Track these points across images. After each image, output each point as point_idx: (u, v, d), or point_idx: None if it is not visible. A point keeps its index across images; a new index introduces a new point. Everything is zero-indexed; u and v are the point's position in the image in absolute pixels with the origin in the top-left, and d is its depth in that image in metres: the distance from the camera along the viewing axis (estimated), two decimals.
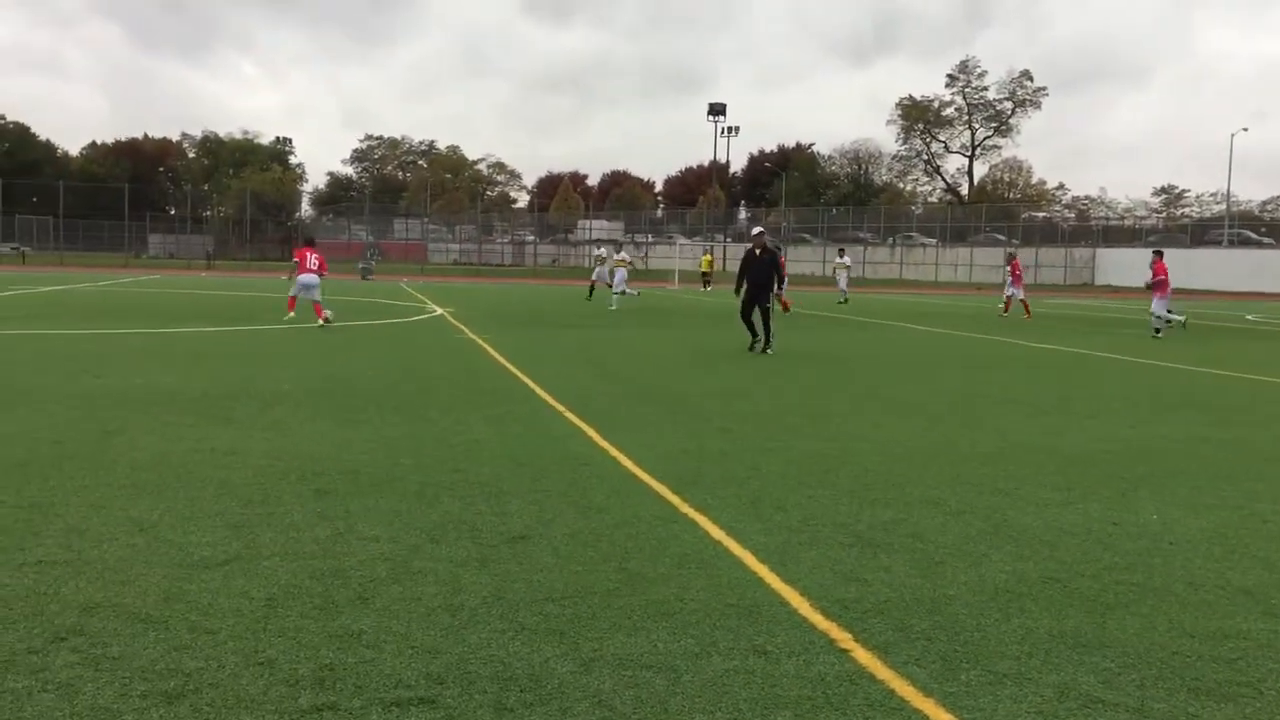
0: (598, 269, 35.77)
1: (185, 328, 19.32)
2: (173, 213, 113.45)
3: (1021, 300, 30.29)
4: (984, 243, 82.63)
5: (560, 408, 10.19)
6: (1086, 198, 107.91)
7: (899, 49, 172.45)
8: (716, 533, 5.75)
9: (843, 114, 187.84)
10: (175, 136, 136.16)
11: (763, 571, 5.08)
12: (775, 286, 17.07)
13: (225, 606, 4.41)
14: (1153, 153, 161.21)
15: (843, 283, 39.29)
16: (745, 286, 16.95)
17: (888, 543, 5.65)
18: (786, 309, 26.42)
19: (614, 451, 8.02)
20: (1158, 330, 23.47)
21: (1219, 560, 5.49)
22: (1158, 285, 23.88)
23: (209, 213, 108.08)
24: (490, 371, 13.41)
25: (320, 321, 19.93)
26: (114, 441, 7.91)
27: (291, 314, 21.33)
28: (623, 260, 33.47)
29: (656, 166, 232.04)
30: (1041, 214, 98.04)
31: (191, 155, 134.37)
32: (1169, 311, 24.12)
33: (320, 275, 20.61)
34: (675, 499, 6.51)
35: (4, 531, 5.42)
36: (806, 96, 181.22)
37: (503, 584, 4.79)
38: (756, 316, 16.90)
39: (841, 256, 41.57)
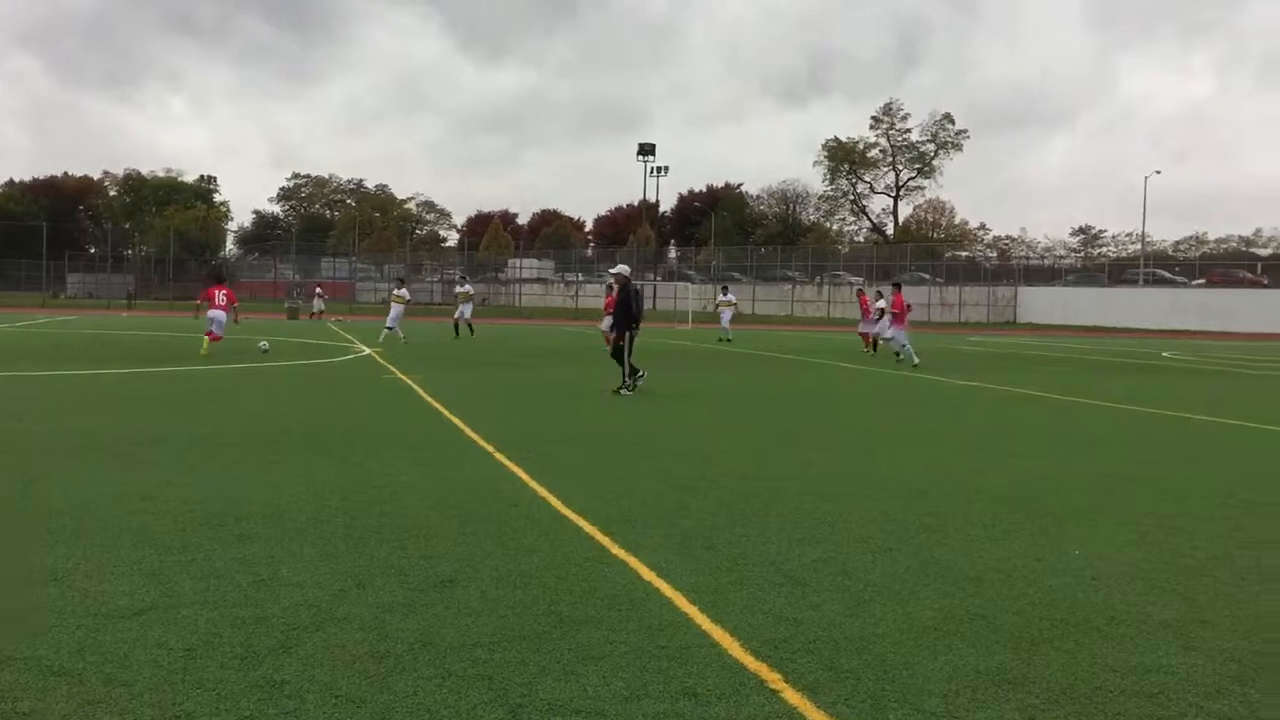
0: (461, 307, 34.37)
1: (106, 369, 18.89)
2: (93, 251, 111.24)
3: (872, 334, 30.02)
4: (909, 281, 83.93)
5: (489, 448, 10.12)
6: (1008, 237, 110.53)
7: (832, 89, 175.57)
8: (647, 573, 5.73)
9: (776, 153, 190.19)
10: (97, 174, 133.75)
11: (693, 612, 5.07)
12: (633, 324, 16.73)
13: (142, 658, 4.29)
14: (1076, 194, 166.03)
15: (725, 320, 38.33)
16: (618, 324, 16.62)
17: (817, 581, 5.67)
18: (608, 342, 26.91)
19: (544, 492, 7.97)
20: (898, 355, 25.04)
21: (1140, 595, 5.59)
22: (896, 317, 25.47)
23: (130, 251, 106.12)
24: (419, 412, 13.28)
25: (204, 348, 21.92)
26: (31, 489, 7.68)
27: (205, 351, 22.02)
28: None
29: (587, 205, 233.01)
30: (965, 253, 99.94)
31: (113, 193, 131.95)
32: (894, 341, 25.60)
33: (227, 311, 22.68)
34: (605, 540, 6.48)
35: None
36: (740, 136, 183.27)
37: (430, 629, 4.72)
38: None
39: (725, 294, 40.37)
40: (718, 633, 4.78)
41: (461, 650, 4.47)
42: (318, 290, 62.95)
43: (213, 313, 22.61)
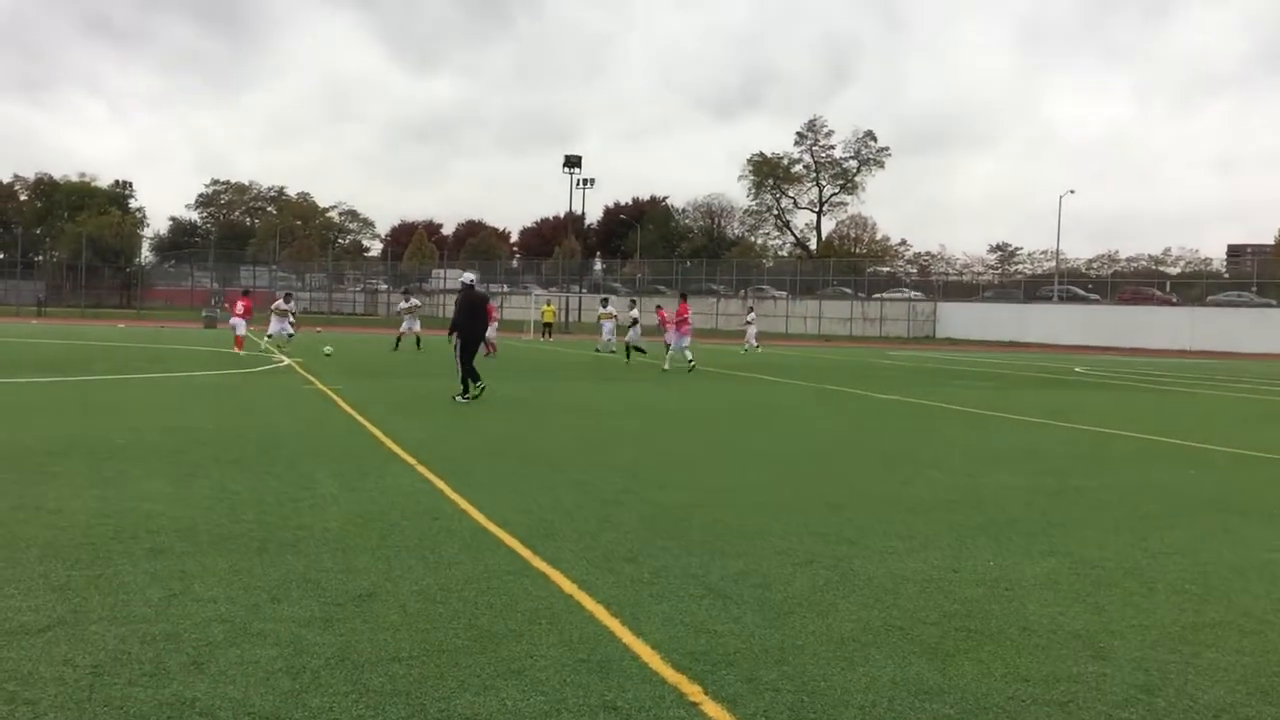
0: (408, 321, 34.29)
1: (12, 378, 18.34)
2: (2, 257, 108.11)
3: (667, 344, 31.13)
4: (831, 295, 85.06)
5: (411, 460, 10.02)
6: (928, 254, 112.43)
7: (765, 106, 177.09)
8: (568, 586, 5.71)
9: (706, 168, 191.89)
10: (9, 176, 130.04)
11: (614, 625, 5.06)
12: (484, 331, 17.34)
13: (47, 675, 4.16)
14: (996, 213, 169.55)
15: (605, 333, 38.23)
16: (460, 331, 16.71)
17: (738, 594, 5.70)
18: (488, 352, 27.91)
19: (465, 505, 7.91)
20: (690, 364, 26.54)
21: (1051, 605, 5.71)
22: (680, 324, 27.04)
23: (41, 257, 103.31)
24: (339, 423, 13.10)
25: (239, 351, 27.39)
26: None
27: (240, 351, 27.25)
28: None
29: (514, 218, 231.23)
30: (886, 269, 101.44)
31: (24, 198, 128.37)
32: (685, 350, 27.09)
33: (247, 318, 29.28)
34: (527, 553, 6.45)
35: None
36: (671, 150, 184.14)
37: (348, 644, 4.65)
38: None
39: (605, 306, 40.54)
40: (638, 645, 4.78)
41: (379, 665, 4.41)
42: (282, 302, 59.72)
43: (234, 320, 29.44)
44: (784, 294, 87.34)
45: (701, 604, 5.48)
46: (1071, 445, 13.52)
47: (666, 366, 26.88)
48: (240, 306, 30.25)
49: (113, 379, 18.73)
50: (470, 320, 16.75)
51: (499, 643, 4.75)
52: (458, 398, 16.32)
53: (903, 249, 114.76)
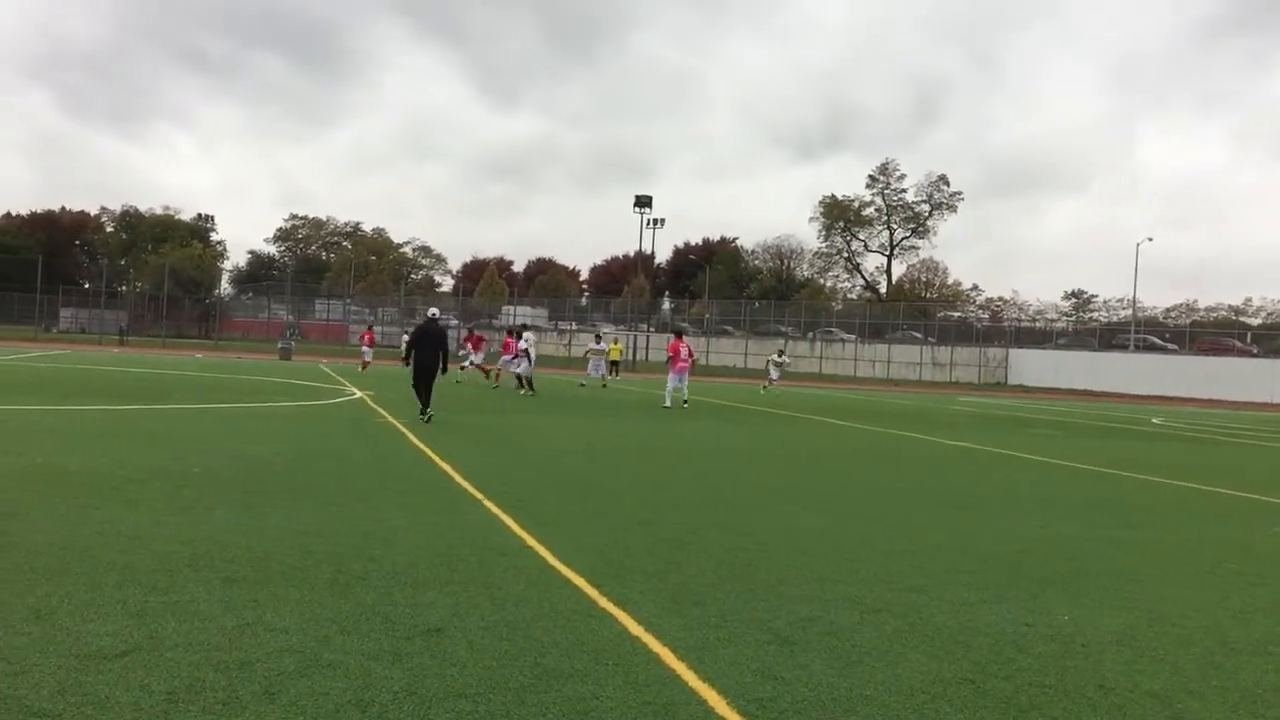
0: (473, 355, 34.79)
1: (94, 405, 18.82)
2: (87, 287, 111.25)
3: (495, 369, 33.42)
4: (901, 340, 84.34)
5: (479, 496, 10.09)
6: (1000, 299, 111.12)
7: (845, 145, 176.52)
8: (634, 628, 5.70)
9: (783, 208, 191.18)
10: (96, 209, 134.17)
11: (680, 668, 5.04)
12: (442, 361, 18.83)
13: (123, 700, 4.24)
14: (1074, 258, 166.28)
15: (592, 369, 39.67)
16: (416, 359, 18.74)
17: (805, 640, 5.64)
18: (486, 374, 33.50)
19: (532, 542, 7.93)
20: (682, 402, 26.82)
21: (1128, 663, 5.57)
22: (672, 361, 27.64)
23: (124, 288, 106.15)
24: (409, 457, 13.24)
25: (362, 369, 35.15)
26: (12, 525, 7.62)
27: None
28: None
29: (585, 254, 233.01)
30: (957, 314, 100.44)
31: (110, 229, 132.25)
32: (681, 388, 27.55)
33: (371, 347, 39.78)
34: (593, 592, 6.45)
35: None
36: (748, 189, 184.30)
37: (415, 679, 4.68)
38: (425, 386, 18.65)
39: (597, 343, 41.39)
40: (705, 690, 4.75)
41: (446, 700, 4.43)
42: (405, 336, 61.95)
43: (365, 349, 42.22)
44: (853, 337, 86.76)
45: (768, 650, 5.43)
46: (1148, 498, 13.22)
47: (667, 403, 27.00)
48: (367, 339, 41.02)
49: (190, 408, 19.13)
50: (428, 350, 18.72)
51: (564, 682, 4.75)
52: (428, 416, 18.23)
53: (974, 294, 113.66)
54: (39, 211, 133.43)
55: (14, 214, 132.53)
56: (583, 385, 38.16)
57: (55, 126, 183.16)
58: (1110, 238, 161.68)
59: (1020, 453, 18.91)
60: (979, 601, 6.80)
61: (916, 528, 9.72)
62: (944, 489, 13.00)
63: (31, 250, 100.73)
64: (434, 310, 20.15)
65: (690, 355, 28.01)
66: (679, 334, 28.63)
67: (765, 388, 42.00)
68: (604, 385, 38.56)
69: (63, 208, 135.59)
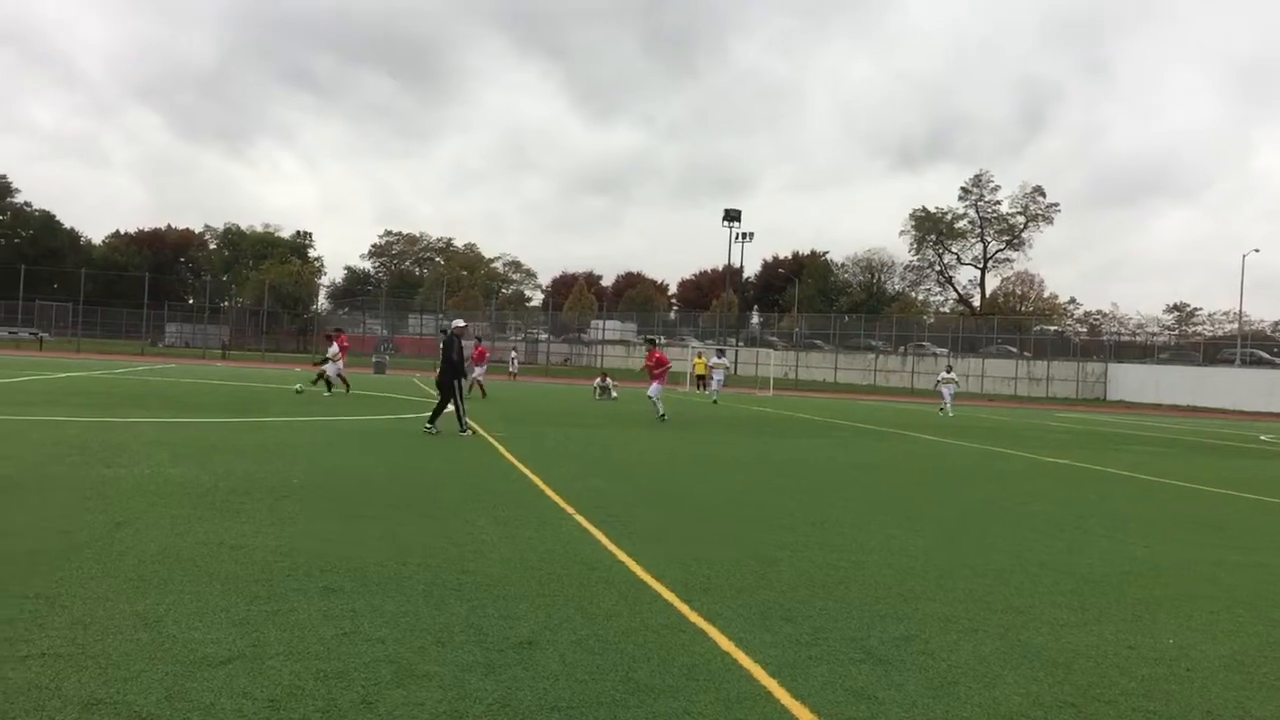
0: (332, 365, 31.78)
1: (197, 418, 19.38)
2: (191, 302, 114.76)
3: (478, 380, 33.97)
4: (995, 354, 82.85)
5: (569, 510, 10.15)
6: (1099, 313, 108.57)
7: (949, 155, 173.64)
8: (725, 643, 5.67)
9: (883, 218, 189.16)
10: (201, 227, 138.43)
11: (772, 686, 5.00)
12: (446, 373, 19.08)
13: (227, 707, 4.35)
14: (1180, 270, 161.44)
15: (715, 385, 40.25)
16: (444, 366, 19.25)
17: (899, 659, 5.56)
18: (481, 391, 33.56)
19: (622, 556, 7.95)
20: (663, 416, 25.98)
21: (1237, 689, 5.39)
22: (653, 373, 26.90)
23: (226, 303, 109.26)
24: (500, 471, 13.38)
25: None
26: (122, 533, 7.88)
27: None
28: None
29: (675, 268, 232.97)
30: (1053, 328, 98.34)
31: (213, 246, 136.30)
32: (655, 399, 26.62)
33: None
34: (683, 607, 6.44)
35: (9, 622, 5.38)
36: (846, 200, 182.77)
37: (509, 691, 4.72)
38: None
39: (720, 356, 42.06)
40: (797, 708, 4.71)
41: (539, 713, 4.46)
42: (513, 353, 64.07)
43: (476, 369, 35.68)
44: (945, 351, 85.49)
45: (861, 668, 5.37)
46: (1258, 518, 12.78)
47: (663, 414, 26.29)
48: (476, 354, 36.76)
49: (289, 420, 19.58)
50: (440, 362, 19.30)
51: (656, 697, 4.75)
52: (463, 433, 18.36)
53: (1072, 307, 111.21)
54: (146, 229, 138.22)
55: (122, 232, 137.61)
56: (714, 401, 38.81)
57: (164, 146, 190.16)
58: (1217, 249, 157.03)
59: (1122, 470, 18.42)
60: (1080, 623, 6.64)
61: (1014, 547, 9.52)
62: (1042, 507, 12.71)
63: (139, 267, 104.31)
64: (458, 321, 20.44)
65: (662, 364, 27.18)
66: (653, 343, 29.22)
67: (943, 411, 40.07)
68: (714, 401, 38.74)
69: (169, 225, 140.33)
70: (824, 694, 4.93)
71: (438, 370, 19.57)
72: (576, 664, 5.17)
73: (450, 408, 19.04)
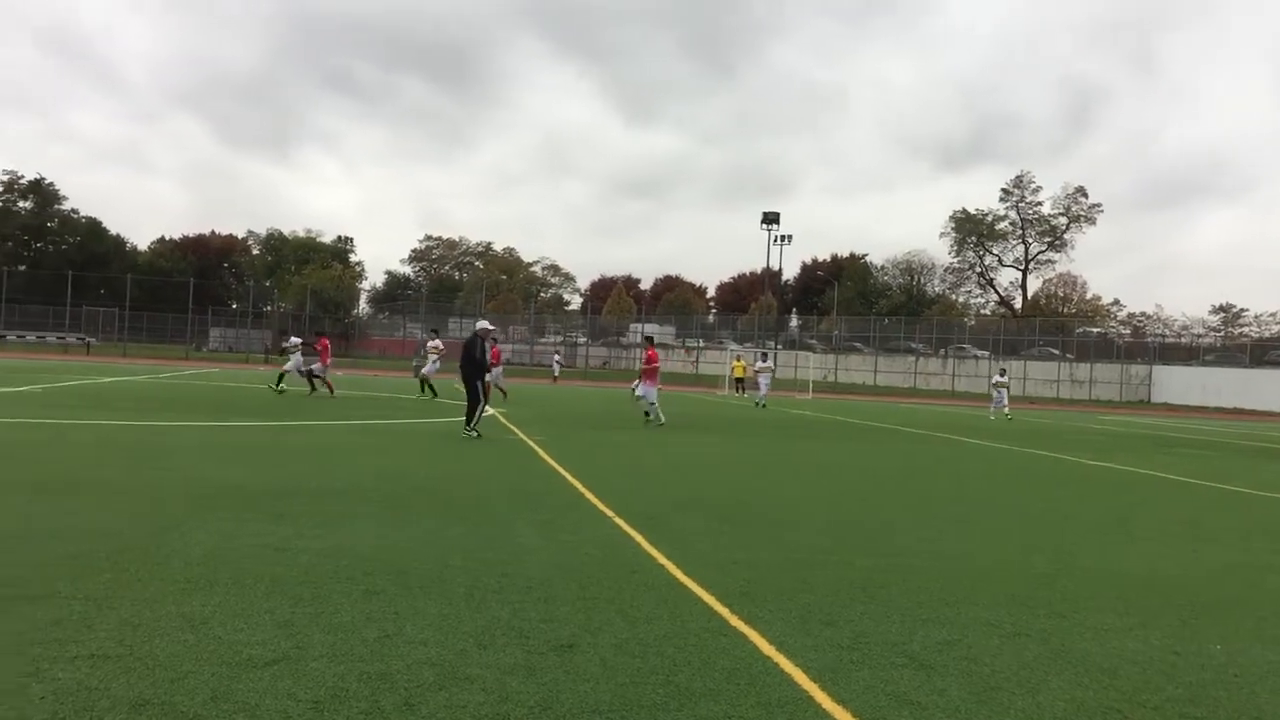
0: (293, 358, 32.09)
1: (241, 421, 19.59)
2: (234, 307, 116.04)
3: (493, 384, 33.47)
4: (1037, 356, 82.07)
5: (610, 513, 10.16)
6: (1142, 314, 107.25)
7: (993, 156, 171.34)
8: (766, 648, 5.66)
9: (925, 220, 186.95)
10: (243, 232, 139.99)
11: (813, 690, 4.99)
12: (468, 375, 19.12)
13: (272, 708, 4.40)
14: (1228, 271, 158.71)
15: (763, 386, 40.20)
16: (467, 367, 19.27)
17: (942, 664, 5.53)
18: (501, 393, 32.46)
19: (662, 559, 7.96)
20: (648, 415, 24.99)
21: None
22: (646, 373, 25.71)
23: (269, 308, 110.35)
24: (540, 474, 13.42)
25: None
26: (169, 536, 7.98)
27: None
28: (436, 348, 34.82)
29: (714, 271, 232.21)
30: (1096, 330, 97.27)
31: (255, 251, 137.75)
32: (645, 400, 25.56)
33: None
34: (724, 610, 6.43)
35: (58, 624, 5.47)
36: (886, 203, 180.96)
37: (550, 694, 4.74)
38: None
39: (765, 360, 42.21)
40: (840, 713, 4.69)
41: (580, 716, 4.48)
42: (557, 356, 64.00)
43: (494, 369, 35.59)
44: (986, 353, 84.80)
45: (904, 673, 5.34)
46: None
47: (662, 420, 24.74)
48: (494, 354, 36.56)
49: (332, 424, 19.75)
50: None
51: (697, 701, 4.75)
52: (470, 432, 18.53)
53: (1115, 309, 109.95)
54: (190, 235, 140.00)
55: (167, 238, 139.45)
56: (760, 405, 38.82)
57: (207, 152, 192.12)
58: (1265, 251, 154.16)
59: (1168, 474, 18.19)
60: (1125, 628, 6.57)
61: (1058, 551, 9.43)
62: (1086, 511, 12.58)
63: (184, 273, 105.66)
64: (483, 323, 20.49)
65: (650, 363, 25.88)
66: (651, 341, 27.98)
67: (1004, 414, 39.02)
68: (761, 406, 38.62)
69: (212, 231, 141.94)
70: (865, 698, 4.91)
71: (459, 372, 19.57)
72: (617, 667, 5.18)
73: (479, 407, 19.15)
